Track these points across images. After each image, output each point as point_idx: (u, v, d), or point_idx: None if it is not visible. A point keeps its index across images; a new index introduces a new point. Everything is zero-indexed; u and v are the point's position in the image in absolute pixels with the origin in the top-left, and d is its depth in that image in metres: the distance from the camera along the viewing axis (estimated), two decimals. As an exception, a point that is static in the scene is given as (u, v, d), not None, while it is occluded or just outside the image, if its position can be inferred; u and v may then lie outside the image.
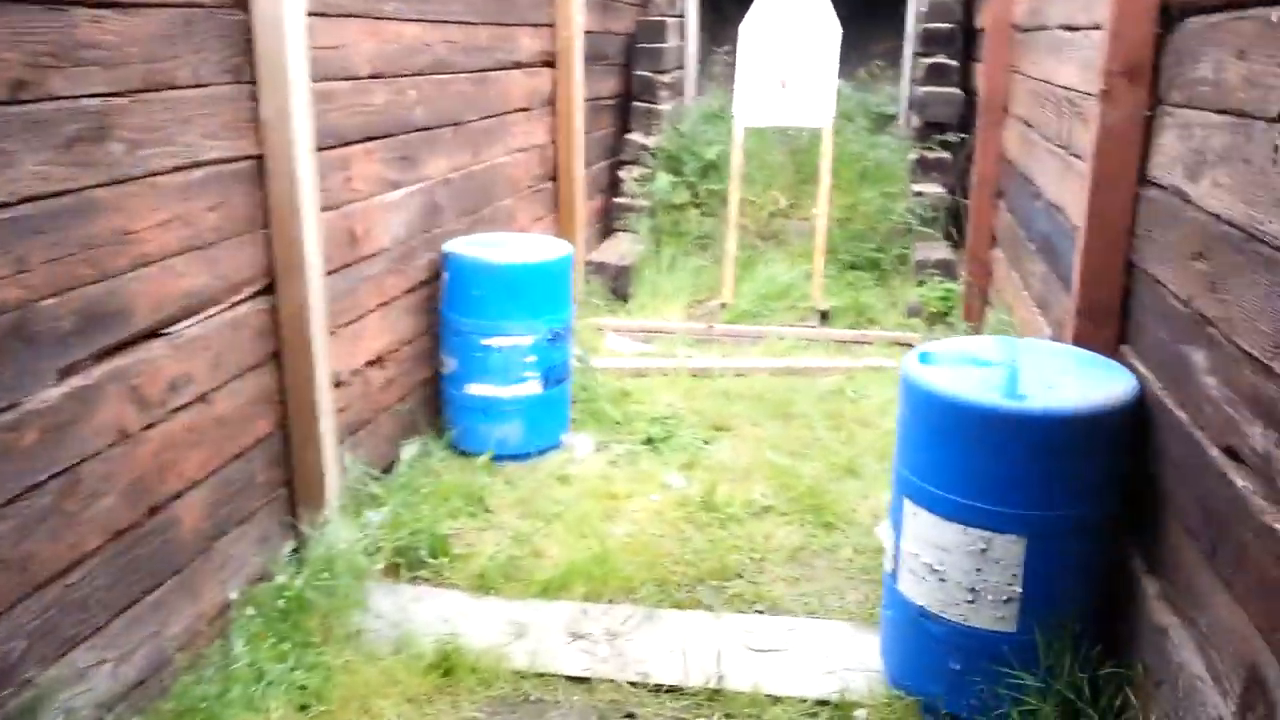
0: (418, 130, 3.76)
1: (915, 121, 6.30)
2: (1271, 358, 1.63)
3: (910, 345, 4.90)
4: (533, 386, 3.75)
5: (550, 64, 5.23)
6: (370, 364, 3.46)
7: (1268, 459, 1.62)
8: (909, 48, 6.88)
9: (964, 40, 6.32)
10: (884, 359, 4.71)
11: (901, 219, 5.87)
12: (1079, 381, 2.23)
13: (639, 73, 6.59)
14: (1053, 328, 3.38)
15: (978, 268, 5.00)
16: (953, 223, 5.97)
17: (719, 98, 6.88)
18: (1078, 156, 3.19)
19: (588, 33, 5.85)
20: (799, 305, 5.37)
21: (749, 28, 5.51)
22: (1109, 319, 2.52)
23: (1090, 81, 3.09)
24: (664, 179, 6.29)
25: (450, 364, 3.77)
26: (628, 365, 4.65)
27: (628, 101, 6.65)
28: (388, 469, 3.46)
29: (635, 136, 6.51)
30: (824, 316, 5.22)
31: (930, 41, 6.36)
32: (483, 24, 4.38)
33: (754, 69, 5.49)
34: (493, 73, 4.49)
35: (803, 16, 5.49)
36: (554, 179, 5.40)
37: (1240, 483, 1.72)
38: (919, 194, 5.91)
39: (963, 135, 6.08)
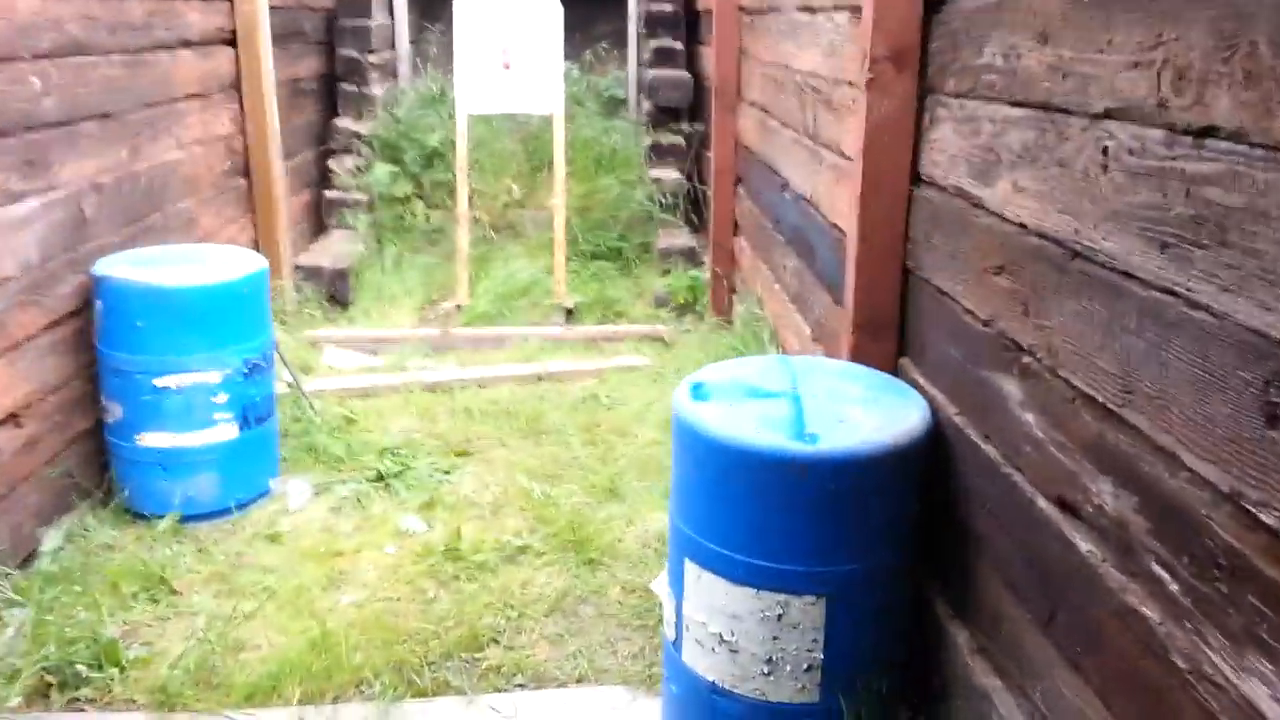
0: (48, 126, 2.98)
1: (646, 106, 6.07)
2: (1122, 404, 1.36)
3: (660, 339, 4.67)
4: (227, 430, 3.08)
5: (230, 42, 4.47)
6: (1, 424, 2.67)
7: (1123, 525, 1.36)
8: (633, 29, 6.64)
9: (687, 23, 6.16)
10: (635, 357, 4.42)
11: (641, 206, 5.61)
12: (870, 411, 1.95)
13: (344, 52, 5.89)
14: (813, 327, 3.19)
15: (722, 256, 4.83)
16: (693, 209, 5.81)
17: (437, 80, 6.31)
18: (828, 148, 3.00)
19: (278, 8, 5.10)
20: (542, 303, 4.96)
21: (464, 6, 5.01)
22: (886, 332, 2.30)
23: (836, 68, 2.90)
24: (382, 169, 5.65)
25: (115, 411, 3.01)
26: (351, 385, 4.04)
27: (333, 84, 5.93)
28: (33, 557, 2.69)
29: (345, 123, 5.81)
30: (569, 313, 4.86)
31: (654, 24, 6.14)
32: (134, -7, 3.60)
33: (473, 51, 4.99)
34: (152, 54, 3.72)
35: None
36: (247, 174, 4.65)
37: (1085, 547, 1.45)
38: (656, 180, 5.68)
39: (693, 122, 5.93)
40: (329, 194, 5.64)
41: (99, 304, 2.98)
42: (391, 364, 4.32)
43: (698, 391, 2.00)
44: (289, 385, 3.65)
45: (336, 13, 5.97)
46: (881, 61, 2.14)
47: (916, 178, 2.18)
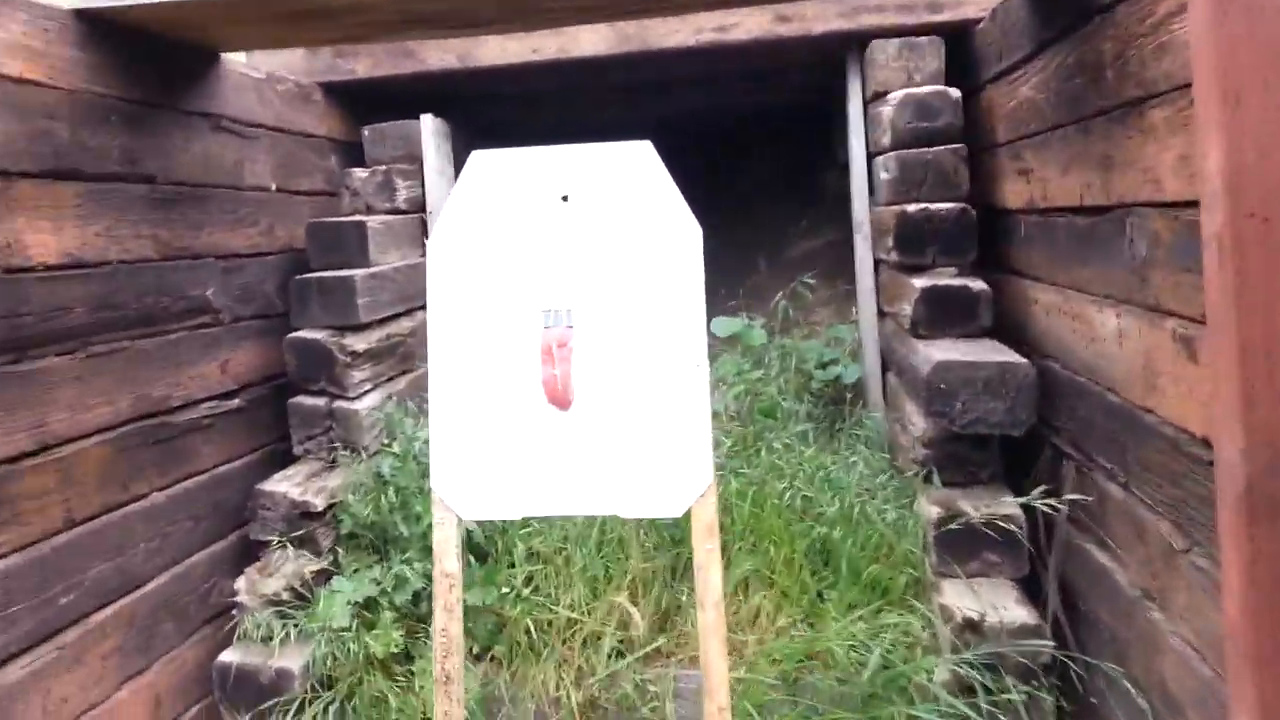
0: None
1: (920, 427, 2.75)
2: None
3: None
4: None
5: None
6: None
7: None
8: (864, 250, 3.48)
9: (987, 234, 2.94)
10: None
11: (937, 684, 2.22)
12: None
13: (304, 334, 3.00)
14: None
15: None
16: (1068, 705, 2.36)
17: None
18: None
19: (136, 263, 2.30)
20: None
21: (442, 255, 1.96)
22: None
23: None
24: (340, 592, 2.57)
25: None
26: None
27: (281, 399, 3.02)
28: None
29: (283, 486, 2.81)
30: None
31: (916, 239, 2.93)
32: None
33: (471, 370, 1.91)
34: None
35: (600, 206, 1.97)
36: None
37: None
38: (967, 626, 2.29)
39: (1028, 465, 2.58)
40: (225, 659, 2.57)
41: None
42: None
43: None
44: None
45: (307, 254, 3.15)
46: None
47: None
